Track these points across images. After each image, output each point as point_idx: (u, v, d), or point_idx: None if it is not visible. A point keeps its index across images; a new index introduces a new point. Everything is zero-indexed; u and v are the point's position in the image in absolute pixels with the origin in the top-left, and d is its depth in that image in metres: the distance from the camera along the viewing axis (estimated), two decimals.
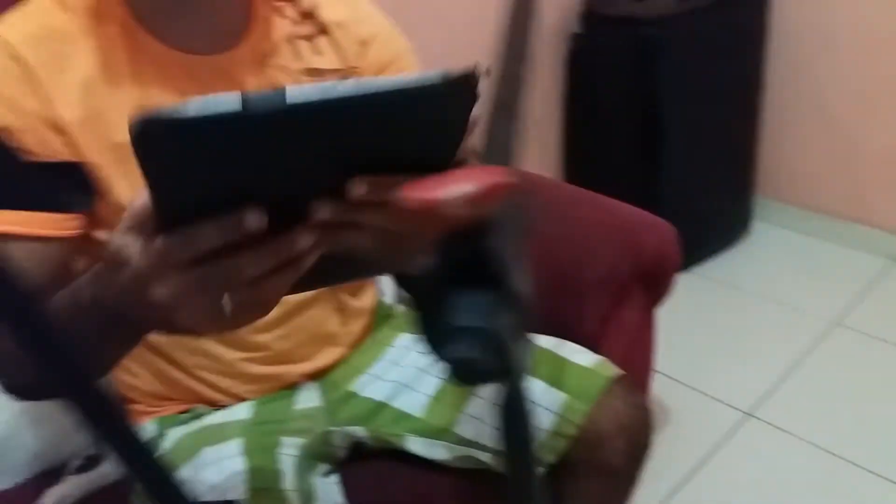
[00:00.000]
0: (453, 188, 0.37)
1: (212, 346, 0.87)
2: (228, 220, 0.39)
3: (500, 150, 0.43)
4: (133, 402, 0.96)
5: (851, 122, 2.20)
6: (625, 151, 2.05)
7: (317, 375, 0.94)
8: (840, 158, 2.27)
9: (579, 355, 0.90)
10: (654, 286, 1.11)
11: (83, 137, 0.71)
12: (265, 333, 0.87)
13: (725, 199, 2.25)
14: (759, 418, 1.62)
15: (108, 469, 0.99)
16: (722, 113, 2.08)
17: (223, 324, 0.45)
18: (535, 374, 0.87)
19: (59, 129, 0.71)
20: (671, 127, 1.97)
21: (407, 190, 0.38)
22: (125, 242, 0.44)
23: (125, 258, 0.44)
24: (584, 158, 2.15)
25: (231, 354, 0.88)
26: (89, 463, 1.01)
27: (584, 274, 1.05)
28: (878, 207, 2.24)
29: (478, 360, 0.36)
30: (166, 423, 0.91)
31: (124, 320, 0.51)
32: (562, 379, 0.87)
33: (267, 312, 0.45)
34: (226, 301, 0.44)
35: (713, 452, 1.54)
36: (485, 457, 0.89)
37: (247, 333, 0.86)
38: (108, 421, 0.37)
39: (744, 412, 1.62)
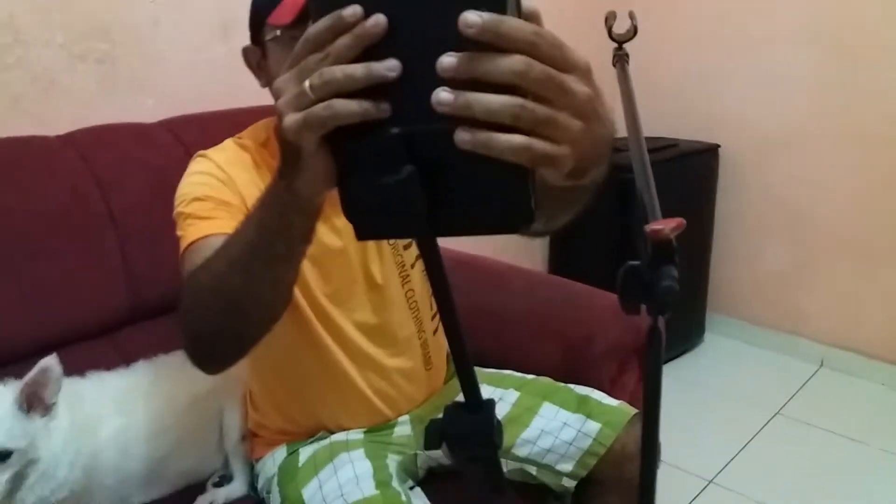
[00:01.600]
0: None
1: (346, 370, 1.15)
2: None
3: None
4: (261, 436, 1.25)
5: (785, 254, 2.65)
6: (602, 273, 2.45)
7: (409, 411, 1.26)
8: (777, 281, 2.70)
9: (606, 398, 1.24)
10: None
11: None
12: (394, 360, 1.17)
13: (684, 313, 2.63)
14: (718, 485, 1.97)
15: (238, 485, 1.28)
16: (682, 244, 2.52)
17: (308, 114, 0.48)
18: (573, 408, 1.21)
19: None
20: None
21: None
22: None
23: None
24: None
25: (357, 377, 1.15)
26: (222, 480, 1.30)
27: (597, 346, 1.42)
28: (810, 321, 2.65)
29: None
30: (295, 446, 1.20)
31: (278, 196, 0.63)
32: (594, 413, 1.20)
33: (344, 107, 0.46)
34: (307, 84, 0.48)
35: None
36: (533, 470, 1.21)
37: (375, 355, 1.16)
38: None
39: (706, 479, 1.97)
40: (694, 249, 2.63)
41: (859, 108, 2.38)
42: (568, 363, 1.41)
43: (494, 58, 0.42)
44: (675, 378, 2.48)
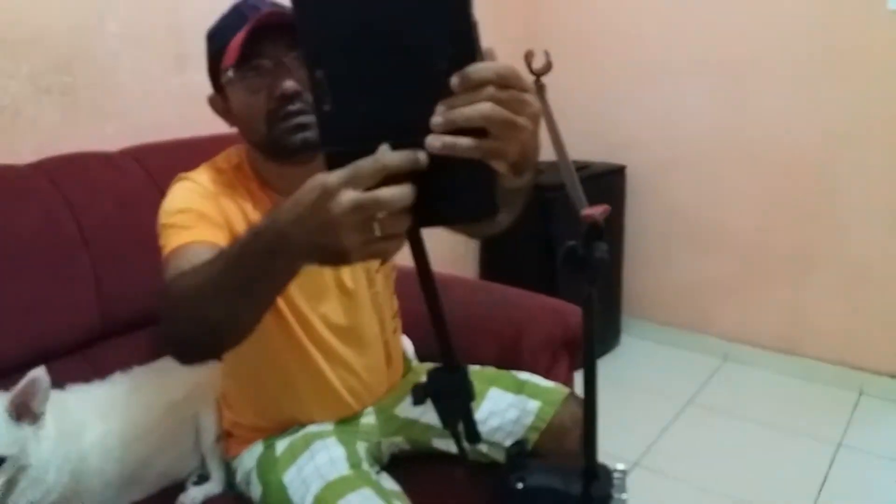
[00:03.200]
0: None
1: (321, 368, 1.23)
2: (407, 154, 0.57)
3: None
4: (237, 435, 1.33)
5: (690, 262, 2.86)
6: (528, 277, 2.63)
7: (372, 403, 1.36)
8: (683, 287, 2.90)
9: (543, 381, 1.39)
10: (575, 352, 1.65)
11: None
12: (362, 359, 1.27)
13: (602, 318, 2.84)
14: (642, 466, 2.17)
15: (216, 483, 1.36)
16: None
17: (371, 247, 0.59)
18: (515, 391, 1.35)
19: (232, 232, 1.08)
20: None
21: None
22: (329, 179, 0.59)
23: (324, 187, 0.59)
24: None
25: (331, 375, 1.25)
26: (200, 479, 1.37)
27: (531, 340, 1.58)
28: (714, 321, 2.86)
29: None
30: (271, 440, 1.28)
31: (285, 247, 0.65)
32: (534, 394, 1.34)
33: (400, 245, 0.61)
34: (375, 226, 0.57)
35: None
36: (485, 448, 1.33)
37: (346, 356, 1.25)
38: None
39: (632, 462, 2.17)
40: (610, 257, 2.84)
41: (748, 129, 2.61)
42: (506, 357, 1.55)
43: (471, 102, 0.57)
44: (597, 377, 2.67)
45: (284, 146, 1.08)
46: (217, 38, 1.11)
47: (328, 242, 0.61)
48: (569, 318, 1.63)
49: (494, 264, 2.84)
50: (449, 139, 0.57)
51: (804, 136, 2.52)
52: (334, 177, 0.59)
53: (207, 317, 0.80)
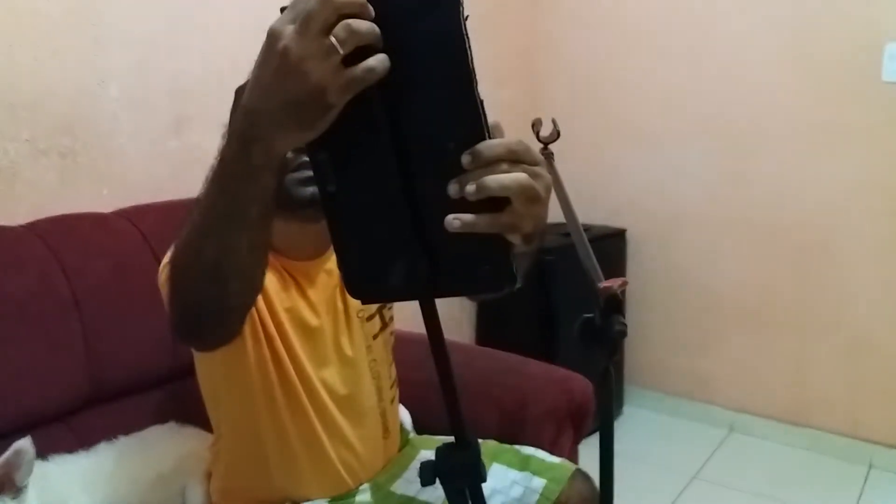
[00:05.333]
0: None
1: (321, 439, 1.20)
2: None
3: None
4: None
5: (692, 328, 2.84)
6: (528, 343, 2.59)
7: (368, 479, 1.32)
8: (686, 355, 2.87)
9: (548, 456, 1.35)
10: (580, 424, 1.60)
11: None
12: (358, 431, 1.24)
13: (608, 386, 2.78)
14: None
15: None
16: None
17: (344, 75, 0.55)
18: (519, 467, 1.31)
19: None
20: (562, 328, 2.57)
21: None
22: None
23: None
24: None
25: (328, 447, 1.20)
26: None
27: (534, 410, 1.54)
28: (719, 390, 2.82)
29: None
30: None
31: (258, 126, 0.60)
32: (539, 470, 1.30)
33: (379, 66, 0.55)
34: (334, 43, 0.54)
35: None
36: None
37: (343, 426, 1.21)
38: None
39: None
40: None
41: (745, 194, 2.63)
42: (508, 427, 1.51)
43: (494, 174, 0.57)
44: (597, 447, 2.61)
45: (292, 197, 1.07)
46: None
47: (296, 90, 0.56)
48: (574, 388, 1.59)
49: (491, 328, 2.80)
50: (468, 218, 0.56)
51: (804, 204, 2.54)
52: (277, 20, 0.56)
53: (206, 259, 0.74)
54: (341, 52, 0.54)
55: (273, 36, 0.56)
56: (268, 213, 0.71)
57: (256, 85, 0.59)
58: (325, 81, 0.55)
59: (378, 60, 0.55)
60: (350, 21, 0.54)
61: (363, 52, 0.55)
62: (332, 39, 0.54)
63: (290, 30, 0.55)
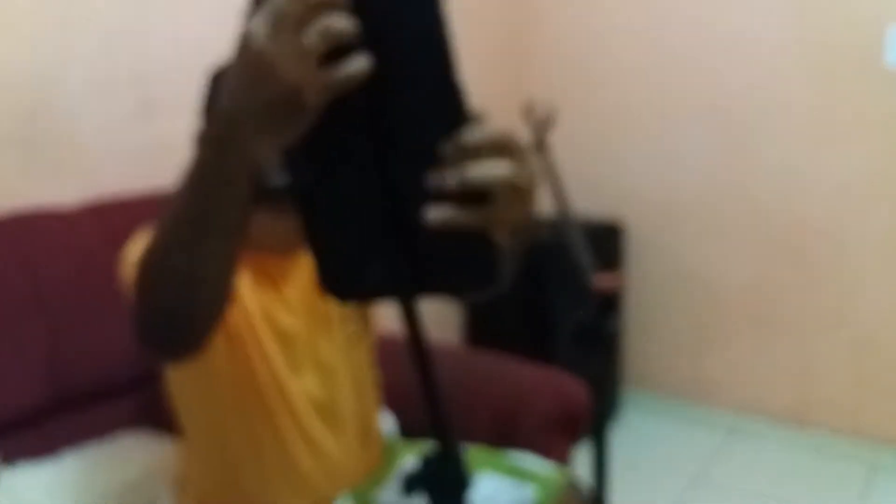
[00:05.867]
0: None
1: (298, 448, 1.15)
2: None
3: None
4: None
5: (691, 327, 2.80)
6: (520, 345, 2.52)
7: (348, 489, 1.25)
8: (685, 354, 2.82)
9: (542, 464, 1.30)
10: (574, 428, 1.53)
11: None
12: (337, 438, 1.18)
13: (601, 390, 2.73)
14: None
15: None
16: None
17: (321, 76, 0.52)
18: (511, 474, 1.25)
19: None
20: (555, 327, 2.50)
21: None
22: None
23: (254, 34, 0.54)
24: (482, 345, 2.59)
25: (305, 455, 1.15)
26: None
27: (527, 414, 1.47)
28: (719, 391, 2.77)
29: None
30: None
31: (233, 127, 0.58)
32: (532, 479, 1.25)
33: (360, 67, 0.52)
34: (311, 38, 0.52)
35: None
36: None
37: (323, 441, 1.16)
38: None
39: None
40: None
41: (749, 181, 2.57)
42: (501, 434, 1.45)
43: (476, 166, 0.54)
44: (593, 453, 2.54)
45: (263, 185, 1.00)
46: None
47: (272, 90, 0.54)
48: (569, 392, 1.51)
49: (480, 328, 2.73)
50: (448, 212, 0.54)
51: (807, 195, 2.48)
52: (252, 20, 0.54)
53: (176, 265, 0.71)
54: (316, 52, 0.52)
55: (247, 37, 0.55)
56: (242, 220, 0.68)
57: (231, 89, 0.58)
58: (302, 83, 0.53)
59: (359, 64, 0.52)
60: (324, 19, 0.52)
61: (342, 46, 0.53)
62: (307, 38, 0.52)
63: (263, 31, 0.53)
